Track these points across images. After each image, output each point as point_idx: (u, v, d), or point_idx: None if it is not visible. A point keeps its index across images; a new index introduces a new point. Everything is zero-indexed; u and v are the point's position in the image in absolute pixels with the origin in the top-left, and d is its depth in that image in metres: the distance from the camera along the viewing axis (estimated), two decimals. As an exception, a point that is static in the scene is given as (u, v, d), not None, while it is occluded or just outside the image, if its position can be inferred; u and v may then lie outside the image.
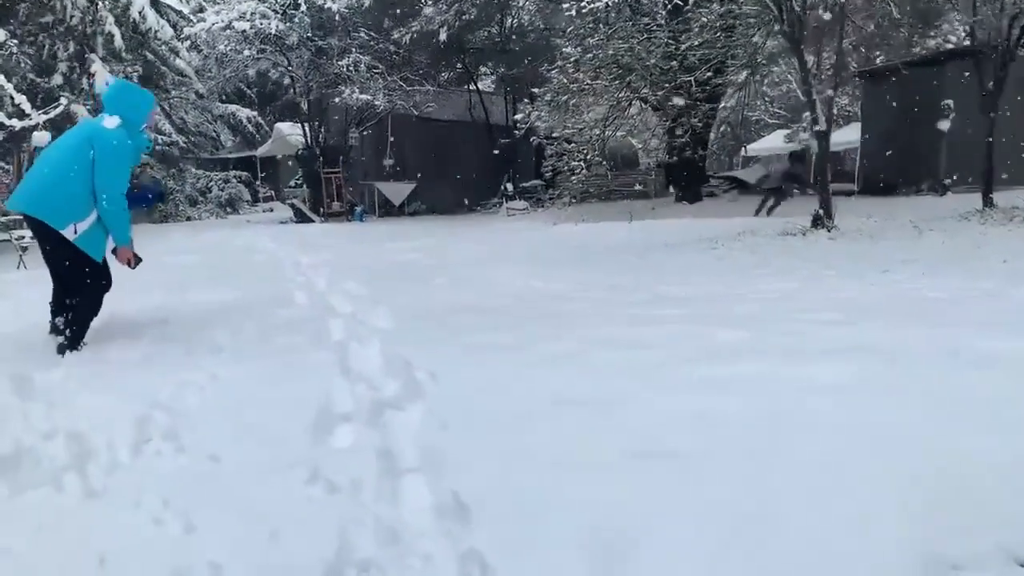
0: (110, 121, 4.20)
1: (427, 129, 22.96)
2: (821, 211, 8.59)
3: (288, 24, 20.83)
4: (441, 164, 22.89)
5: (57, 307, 4.30)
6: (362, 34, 21.30)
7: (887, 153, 17.52)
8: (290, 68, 22.57)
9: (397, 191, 22.54)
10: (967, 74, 11.87)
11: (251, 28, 20.02)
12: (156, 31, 21.21)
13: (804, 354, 3.32)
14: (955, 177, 14.85)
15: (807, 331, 3.80)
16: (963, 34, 13.98)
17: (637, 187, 21.69)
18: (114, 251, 4.32)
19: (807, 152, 9.99)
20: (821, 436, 2.60)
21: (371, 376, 3.27)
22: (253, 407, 3.07)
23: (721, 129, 27.70)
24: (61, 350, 4.12)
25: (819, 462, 2.47)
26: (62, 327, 4.19)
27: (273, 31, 20.28)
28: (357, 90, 20.07)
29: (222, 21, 20.13)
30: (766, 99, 31.36)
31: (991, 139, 9.79)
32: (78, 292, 4.22)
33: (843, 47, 13.34)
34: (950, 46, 19.65)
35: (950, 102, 15.11)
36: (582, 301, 5.27)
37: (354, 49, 20.71)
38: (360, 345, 3.75)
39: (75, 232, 4.06)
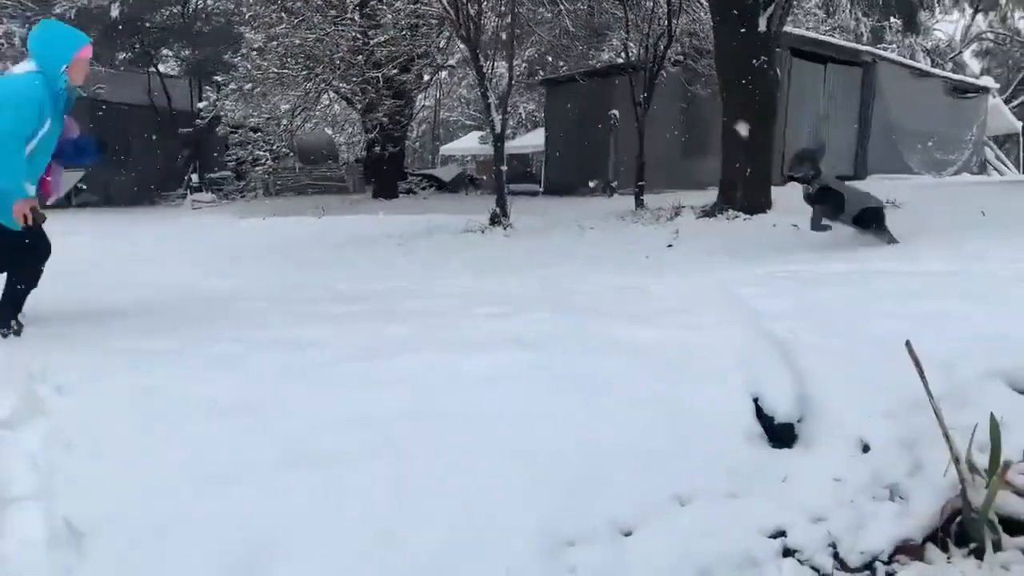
0: (21, 66, 3.87)
1: (100, 113, 20.81)
2: (498, 210, 9.08)
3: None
4: (117, 151, 20.87)
5: None
6: (15, 2, 18.76)
7: (566, 156, 19.01)
8: (-78, 33, 19.25)
9: (64, 180, 20.14)
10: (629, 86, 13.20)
11: None
12: None
13: (462, 347, 3.44)
14: (617, 182, 16.50)
15: (469, 324, 3.96)
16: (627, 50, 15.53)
17: (335, 182, 21.48)
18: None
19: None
20: (468, 427, 2.70)
21: (-19, 393, 2.86)
22: None
23: (422, 128, 28.26)
24: None
25: (463, 454, 2.57)
26: None
27: None
28: (10, 64, 17.65)
29: None
30: (463, 101, 32.56)
31: (642, 146, 10.99)
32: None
33: (528, 55, 14.21)
34: (620, 60, 21.70)
35: (616, 112, 16.74)
36: (258, 300, 5.06)
37: (4, 19, 18.20)
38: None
39: None
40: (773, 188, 9.12)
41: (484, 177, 26.27)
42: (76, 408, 2.79)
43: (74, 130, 4.37)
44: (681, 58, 13.57)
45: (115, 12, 18.00)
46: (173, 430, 2.67)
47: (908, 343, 2.49)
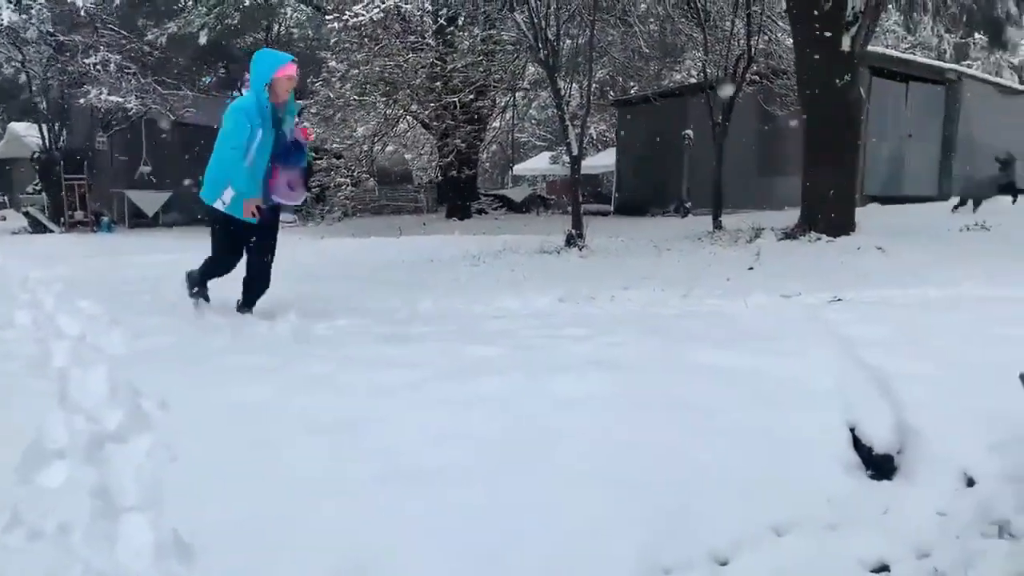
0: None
1: (187, 135, 21.55)
2: (574, 231, 9.08)
3: (24, 16, 18.76)
4: (202, 173, 21.60)
5: None
6: (112, 31, 19.68)
7: (638, 177, 18.94)
8: (26, 64, 20.36)
9: (151, 200, 20.95)
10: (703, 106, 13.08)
11: (-22, 17, 17.86)
12: None
13: (548, 369, 3.45)
14: (691, 202, 16.34)
15: (553, 346, 3.96)
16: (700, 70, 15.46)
17: (410, 202, 21.85)
18: None
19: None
20: (560, 448, 2.71)
21: (93, 406, 2.99)
22: (-53, 447, 2.69)
23: (492, 148, 28.53)
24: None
25: (556, 474, 2.58)
26: None
27: (5, 22, 18.18)
28: (105, 91, 18.51)
29: (-59, 6, 17.77)
30: (533, 122, 32.79)
31: (719, 166, 10.86)
32: None
33: (599, 77, 14.28)
34: (693, 80, 21.54)
35: (690, 132, 16.61)
36: (340, 318, 5.17)
37: (102, 47, 19.09)
38: (85, 371, 3.42)
39: None
40: (856, 210, 8.91)
41: (554, 197, 26.34)
42: (179, 423, 2.89)
43: (300, 136, 5.03)
44: (757, 77, 13.42)
45: (203, 39, 18.74)
46: (270, 442, 2.74)
47: (1022, 375, 2.39)
